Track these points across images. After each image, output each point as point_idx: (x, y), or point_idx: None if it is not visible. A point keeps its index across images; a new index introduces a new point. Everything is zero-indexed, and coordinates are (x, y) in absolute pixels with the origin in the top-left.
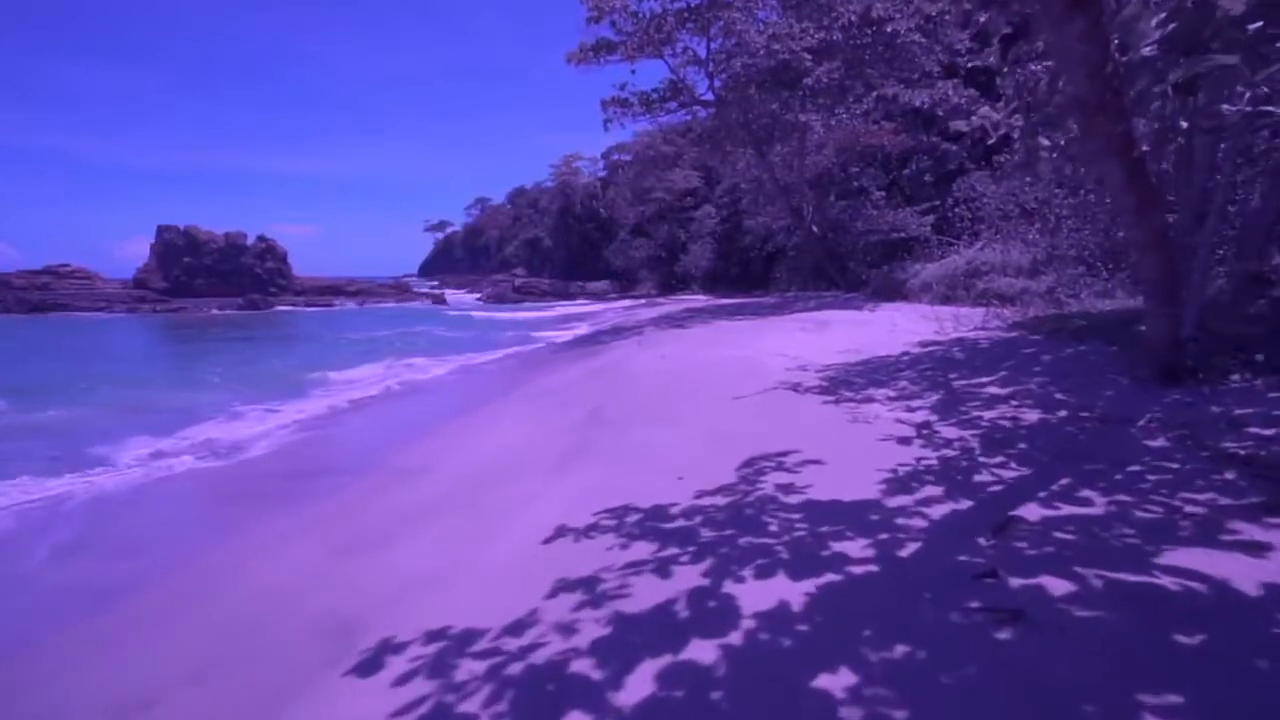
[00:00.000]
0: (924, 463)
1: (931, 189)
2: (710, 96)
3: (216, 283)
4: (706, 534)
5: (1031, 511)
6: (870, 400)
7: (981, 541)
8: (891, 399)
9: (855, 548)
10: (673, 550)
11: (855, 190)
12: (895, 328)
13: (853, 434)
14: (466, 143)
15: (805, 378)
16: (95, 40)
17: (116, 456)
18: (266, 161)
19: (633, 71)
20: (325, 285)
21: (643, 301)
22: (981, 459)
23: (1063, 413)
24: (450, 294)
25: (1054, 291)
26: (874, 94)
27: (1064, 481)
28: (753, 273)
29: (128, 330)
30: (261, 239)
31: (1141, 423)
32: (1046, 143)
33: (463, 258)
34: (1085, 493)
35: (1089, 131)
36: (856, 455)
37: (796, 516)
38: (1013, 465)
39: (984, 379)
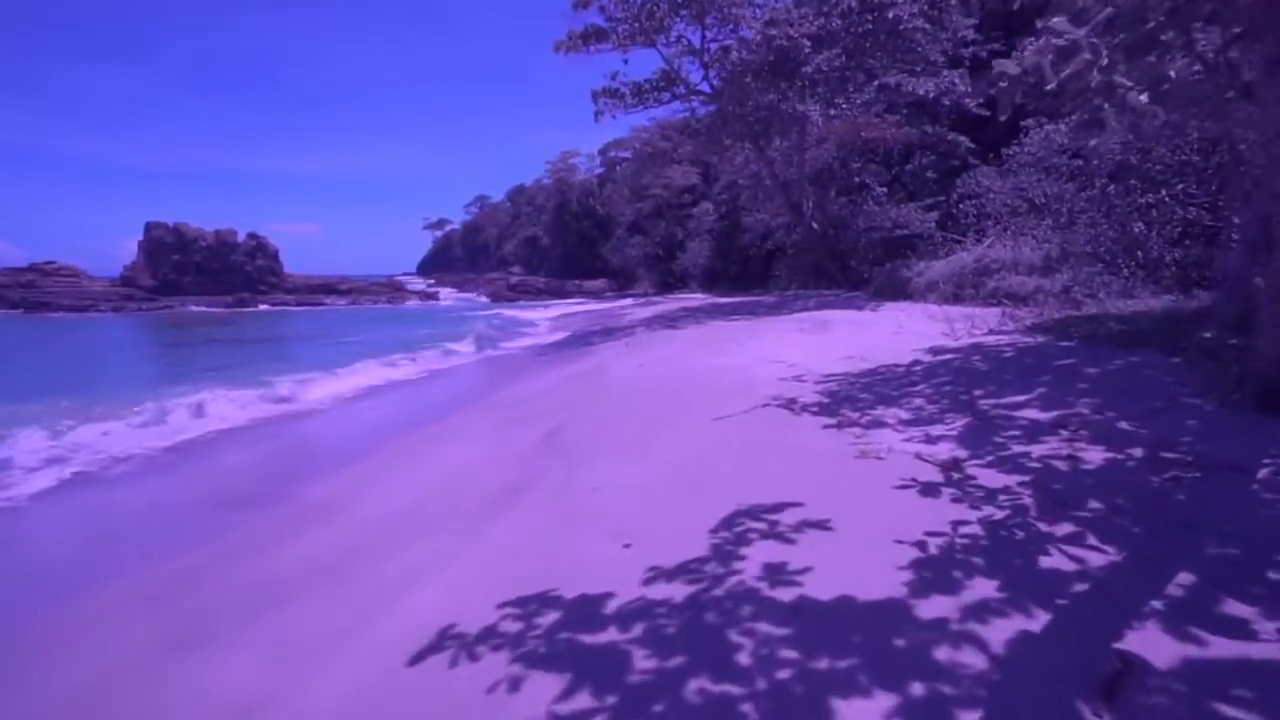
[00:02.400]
0: (962, 530)
1: (935, 185)
2: (706, 88)
3: (206, 281)
4: (642, 663)
5: (1155, 644)
6: (880, 424)
7: (1087, 714)
8: (906, 423)
9: (873, 716)
10: (582, 700)
11: (856, 186)
12: (901, 330)
13: (860, 476)
14: (467, 141)
15: (802, 391)
16: (97, 40)
17: None
18: (268, 161)
19: (625, 61)
20: (317, 284)
21: (640, 300)
22: (1042, 526)
23: (1137, 452)
24: (446, 292)
25: (1070, 291)
26: (875, 83)
27: (1186, 579)
28: (752, 271)
29: (99, 330)
30: (252, 236)
31: (1264, 474)
32: (1127, 83)
33: (462, 256)
34: (1232, 606)
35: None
36: (867, 513)
37: (781, 634)
38: (1091, 540)
39: (1018, 398)
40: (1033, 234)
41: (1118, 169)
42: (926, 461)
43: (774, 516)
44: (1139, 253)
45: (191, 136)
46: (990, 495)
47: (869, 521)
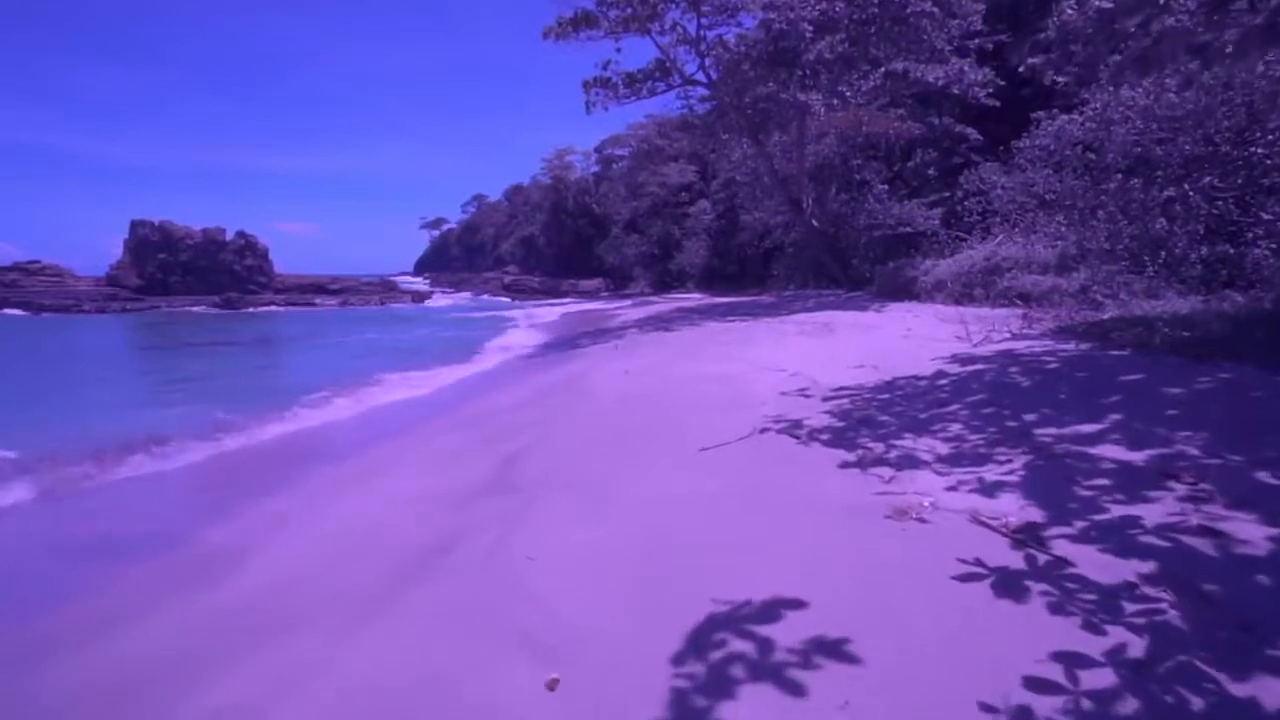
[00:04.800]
0: (1087, 680)
1: (937, 181)
2: (702, 78)
3: (193, 280)
4: None
5: None
6: (912, 461)
7: None
8: (946, 461)
9: None
10: None
11: (857, 183)
12: (912, 333)
13: (898, 551)
14: (466, 141)
15: (809, 410)
16: (98, 39)
17: None
18: (268, 160)
19: (618, 50)
20: (307, 283)
21: (636, 300)
22: (1224, 679)
23: None
24: (441, 293)
25: (1088, 290)
26: (881, 70)
27: None
28: (750, 270)
29: (71, 331)
30: (241, 235)
31: None
32: None
33: (459, 255)
34: None
35: None
36: (917, 629)
37: None
38: None
39: (1086, 427)
40: (1044, 231)
41: (1135, 162)
42: (989, 527)
43: (771, 630)
44: (1161, 251)
45: (192, 135)
46: (1108, 598)
47: (923, 648)
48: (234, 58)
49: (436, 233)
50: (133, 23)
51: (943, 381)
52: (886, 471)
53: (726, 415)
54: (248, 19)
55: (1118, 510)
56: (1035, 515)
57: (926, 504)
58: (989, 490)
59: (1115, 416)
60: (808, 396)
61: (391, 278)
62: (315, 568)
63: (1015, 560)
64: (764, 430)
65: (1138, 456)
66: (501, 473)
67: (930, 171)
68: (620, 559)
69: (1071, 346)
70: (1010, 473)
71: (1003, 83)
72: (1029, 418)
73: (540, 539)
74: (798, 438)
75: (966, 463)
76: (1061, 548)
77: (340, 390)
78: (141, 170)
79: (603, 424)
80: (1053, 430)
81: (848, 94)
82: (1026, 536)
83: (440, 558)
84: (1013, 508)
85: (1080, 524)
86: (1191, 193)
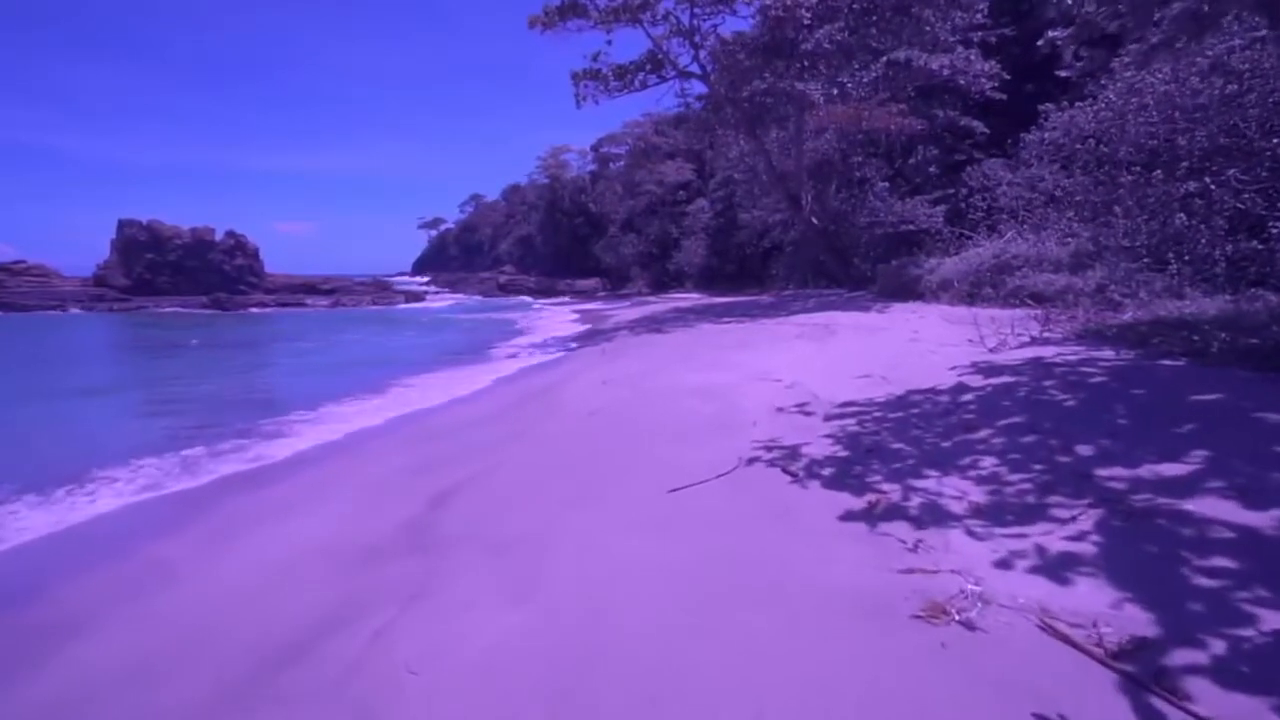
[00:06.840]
0: None
1: (939, 179)
2: (697, 69)
3: (182, 281)
4: None
5: None
6: (939, 513)
7: None
8: (983, 514)
9: None
10: None
11: (857, 180)
12: (920, 336)
13: (935, 690)
14: (465, 140)
15: (808, 432)
16: (95, 38)
17: None
18: (267, 159)
19: (609, 42)
20: (298, 284)
21: (633, 300)
22: None
23: None
24: (436, 293)
25: (1105, 289)
26: (882, 60)
27: None
28: (749, 270)
29: (38, 331)
30: (231, 234)
31: None
32: None
33: (457, 255)
34: None
35: None
36: None
37: None
38: None
39: (1165, 467)
40: (1055, 228)
41: (1150, 155)
42: (1075, 645)
43: None
44: (1181, 248)
45: (191, 135)
46: None
47: None
48: (233, 57)
49: (434, 232)
50: (133, 22)
51: (966, 397)
52: (907, 530)
53: (710, 439)
54: (247, 18)
55: (1270, 618)
56: (1139, 620)
57: (969, 590)
58: (1055, 569)
59: (1203, 453)
60: (807, 414)
61: (389, 277)
62: (125, 673)
63: (1129, 718)
64: (752, 460)
65: (1262, 520)
66: (422, 520)
67: (932, 169)
68: (531, 675)
69: (1110, 354)
70: (1080, 537)
71: (1008, 76)
72: (1084, 451)
73: (435, 635)
74: (793, 474)
75: (1013, 519)
76: (1204, 696)
77: (299, 411)
78: (140, 169)
79: (562, 451)
80: (1121, 471)
81: (848, 85)
82: (1139, 670)
83: (287, 666)
84: (1099, 604)
85: (1218, 644)
86: (1214, 186)
